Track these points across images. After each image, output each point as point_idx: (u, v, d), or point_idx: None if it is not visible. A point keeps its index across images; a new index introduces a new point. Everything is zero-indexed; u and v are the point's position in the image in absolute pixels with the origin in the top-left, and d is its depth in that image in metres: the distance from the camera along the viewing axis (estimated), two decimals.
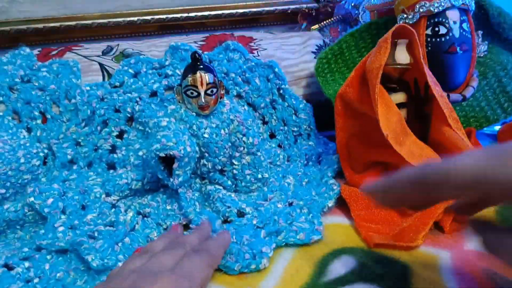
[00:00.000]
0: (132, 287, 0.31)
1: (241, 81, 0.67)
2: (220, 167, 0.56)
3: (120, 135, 0.62)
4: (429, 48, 0.59)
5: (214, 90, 0.52)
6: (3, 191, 0.50)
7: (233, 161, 0.56)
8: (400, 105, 0.51)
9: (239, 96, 0.67)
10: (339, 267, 0.41)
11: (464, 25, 0.58)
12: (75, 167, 0.58)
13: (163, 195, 0.54)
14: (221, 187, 0.56)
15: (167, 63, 0.66)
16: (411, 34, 0.50)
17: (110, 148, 0.60)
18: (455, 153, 0.47)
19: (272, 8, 0.96)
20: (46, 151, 0.58)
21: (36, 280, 0.40)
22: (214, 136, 0.53)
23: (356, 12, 0.79)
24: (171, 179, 0.50)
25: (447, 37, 0.58)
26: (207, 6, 0.93)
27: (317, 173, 0.60)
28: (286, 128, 0.68)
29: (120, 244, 0.44)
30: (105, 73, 0.66)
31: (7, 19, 0.84)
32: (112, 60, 0.68)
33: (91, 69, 0.66)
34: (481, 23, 0.66)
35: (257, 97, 0.67)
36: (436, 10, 0.57)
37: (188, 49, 0.67)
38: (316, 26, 0.86)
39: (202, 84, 0.51)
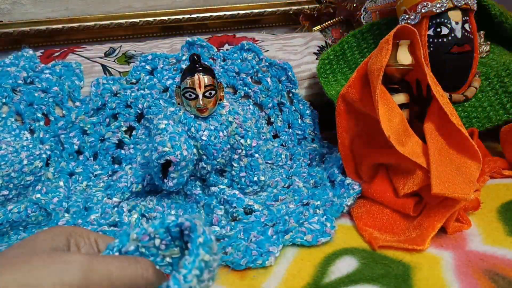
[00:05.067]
0: None
1: (251, 82, 0.67)
2: (219, 168, 0.56)
3: (129, 132, 0.63)
4: (431, 48, 0.59)
5: (213, 92, 0.52)
6: (6, 192, 0.51)
7: (233, 163, 0.56)
8: (402, 106, 0.51)
9: (247, 96, 0.68)
10: (341, 268, 0.41)
11: (466, 26, 0.58)
12: (81, 157, 0.60)
13: (168, 200, 0.55)
14: (225, 187, 0.56)
15: (183, 58, 0.67)
16: (413, 34, 0.50)
17: (117, 142, 0.61)
18: (458, 153, 0.47)
19: (274, 9, 0.97)
20: (48, 152, 0.58)
21: None
22: (213, 139, 0.53)
23: (358, 13, 0.79)
24: (166, 181, 0.50)
25: (449, 38, 0.58)
26: (209, 7, 0.93)
27: (322, 173, 0.60)
28: (290, 130, 0.68)
29: None
30: (108, 75, 0.66)
31: (10, 21, 0.84)
32: (114, 61, 0.68)
33: (94, 70, 0.66)
34: (483, 23, 0.66)
35: (265, 97, 0.67)
36: (438, 11, 0.57)
37: (205, 45, 0.68)
38: (318, 27, 0.86)
39: (200, 86, 0.51)
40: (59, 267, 0.25)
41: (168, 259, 0.31)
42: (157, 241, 0.30)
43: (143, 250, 0.30)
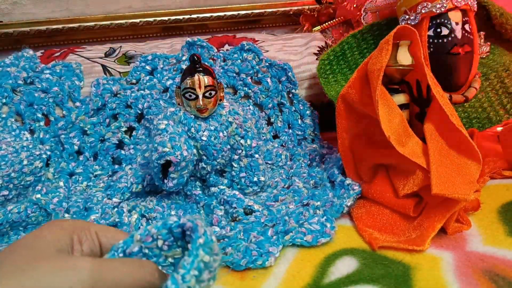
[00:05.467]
0: None
1: (251, 82, 0.67)
2: (219, 168, 0.56)
3: (129, 132, 0.63)
4: (432, 49, 0.59)
5: (213, 92, 0.52)
6: (6, 192, 0.51)
7: (233, 163, 0.56)
8: (402, 106, 0.51)
9: (247, 96, 0.68)
10: (341, 268, 0.41)
11: (466, 26, 0.58)
12: (81, 158, 0.60)
13: (168, 200, 0.55)
14: (225, 188, 0.56)
15: (183, 58, 0.67)
16: (413, 35, 0.50)
17: (117, 142, 0.62)
18: (459, 153, 0.47)
19: (274, 10, 0.97)
20: (48, 153, 0.58)
21: None
22: (212, 139, 0.53)
23: (358, 13, 0.79)
24: (166, 181, 0.50)
25: (449, 38, 0.58)
26: (209, 7, 0.93)
27: (322, 173, 0.60)
28: (290, 131, 0.68)
29: None
30: (108, 75, 0.66)
31: (10, 21, 0.85)
32: (114, 62, 0.68)
33: (94, 70, 0.66)
34: (484, 23, 0.66)
35: (265, 98, 0.67)
36: (438, 11, 0.57)
37: (205, 45, 0.68)
38: (318, 27, 0.86)
39: (200, 87, 0.51)
40: (67, 273, 0.26)
41: (170, 260, 0.31)
42: (159, 242, 0.30)
43: (147, 251, 0.30)
